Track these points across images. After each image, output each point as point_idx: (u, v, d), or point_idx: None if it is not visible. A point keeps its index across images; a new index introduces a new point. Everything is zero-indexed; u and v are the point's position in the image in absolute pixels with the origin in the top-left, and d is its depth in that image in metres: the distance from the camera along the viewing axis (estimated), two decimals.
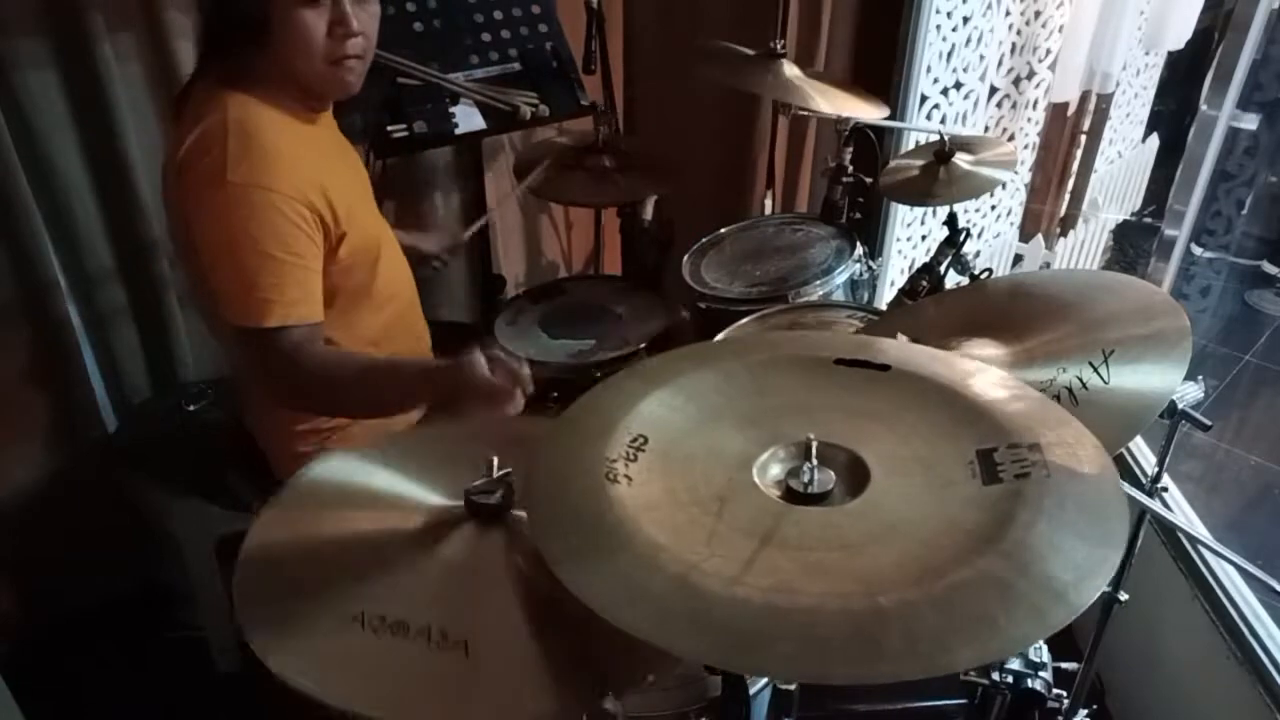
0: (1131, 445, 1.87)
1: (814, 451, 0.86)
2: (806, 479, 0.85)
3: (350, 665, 0.80)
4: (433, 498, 0.96)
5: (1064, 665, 1.49)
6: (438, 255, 1.86)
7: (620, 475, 0.84)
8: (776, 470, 0.87)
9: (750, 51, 1.96)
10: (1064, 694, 1.41)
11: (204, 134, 1.28)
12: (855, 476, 0.86)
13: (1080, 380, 1.12)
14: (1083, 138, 3.05)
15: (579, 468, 0.85)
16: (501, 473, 0.91)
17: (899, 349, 1.02)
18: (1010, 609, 0.71)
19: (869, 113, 1.90)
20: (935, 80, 2.28)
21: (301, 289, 1.31)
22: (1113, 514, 0.79)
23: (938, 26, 2.19)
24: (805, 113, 2.09)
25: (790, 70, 1.92)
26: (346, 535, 0.93)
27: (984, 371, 0.98)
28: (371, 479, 0.99)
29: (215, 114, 1.29)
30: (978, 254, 2.69)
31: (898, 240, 2.46)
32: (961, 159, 1.78)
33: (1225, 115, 2.03)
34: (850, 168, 1.98)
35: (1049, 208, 3.12)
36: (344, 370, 1.35)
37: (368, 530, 0.93)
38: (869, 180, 1.99)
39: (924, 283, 1.58)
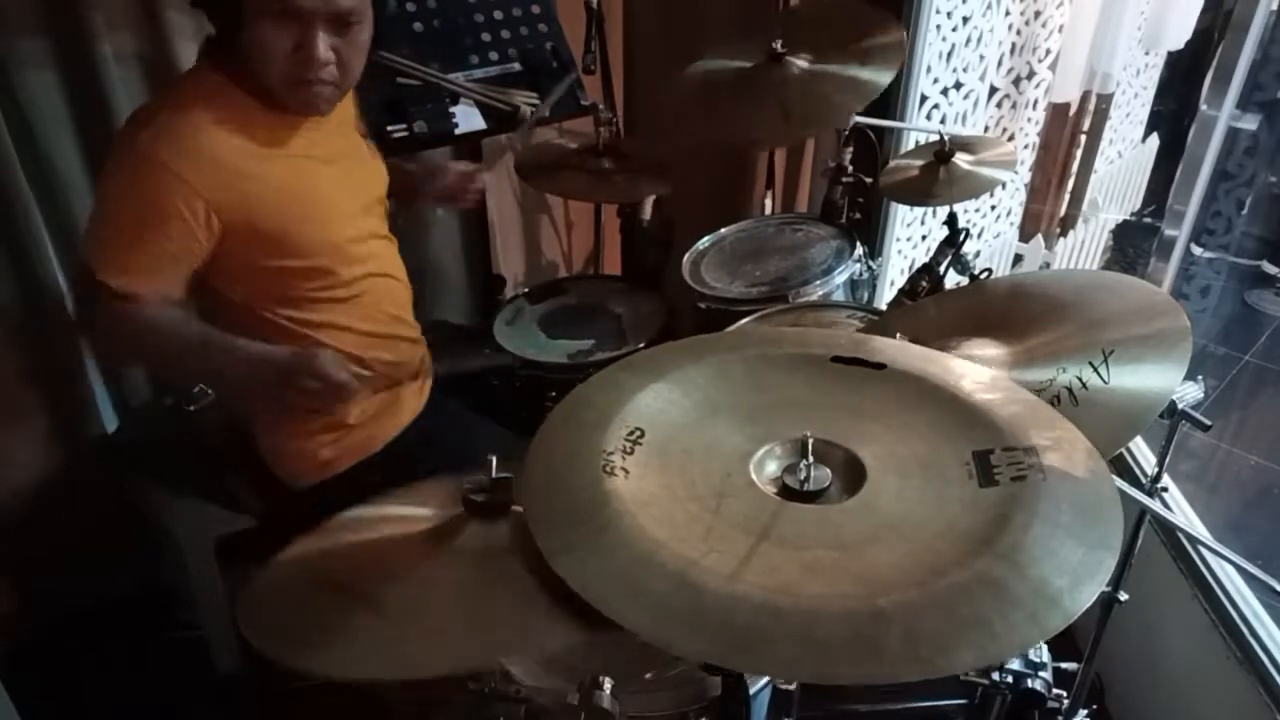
0: (1131, 445, 1.87)
1: (810, 449, 0.86)
2: (803, 476, 0.85)
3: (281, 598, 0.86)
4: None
5: (1064, 665, 1.49)
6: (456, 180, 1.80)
7: (617, 469, 0.84)
8: (773, 467, 0.88)
9: (748, 64, 1.89)
10: (1064, 694, 1.40)
11: (151, 101, 1.32)
12: (851, 475, 0.86)
13: (1080, 380, 1.12)
14: (1083, 138, 3.05)
15: (576, 461, 0.85)
16: (500, 475, 0.92)
17: (895, 348, 1.02)
18: (1007, 612, 0.71)
19: (887, 38, 1.82)
20: (935, 80, 2.28)
21: (151, 264, 1.30)
22: (1108, 517, 0.80)
23: (938, 26, 2.19)
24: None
25: (797, 66, 1.85)
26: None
27: (980, 372, 0.98)
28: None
29: (175, 86, 1.33)
30: (978, 254, 2.68)
31: (898, 240, 2.46)
32: (961, 159, 1.78)
33: (1225, 115, 2.03)
34: (850, 168, 1.97)
35: (1049, 208, 3.12)
36: (168, 340, 1.33)
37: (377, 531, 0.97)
38: (869, 180, 1.98)
39: (924, 283, 1.58)
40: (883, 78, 1.78)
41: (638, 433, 0.88)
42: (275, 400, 1.34)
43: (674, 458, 0.87)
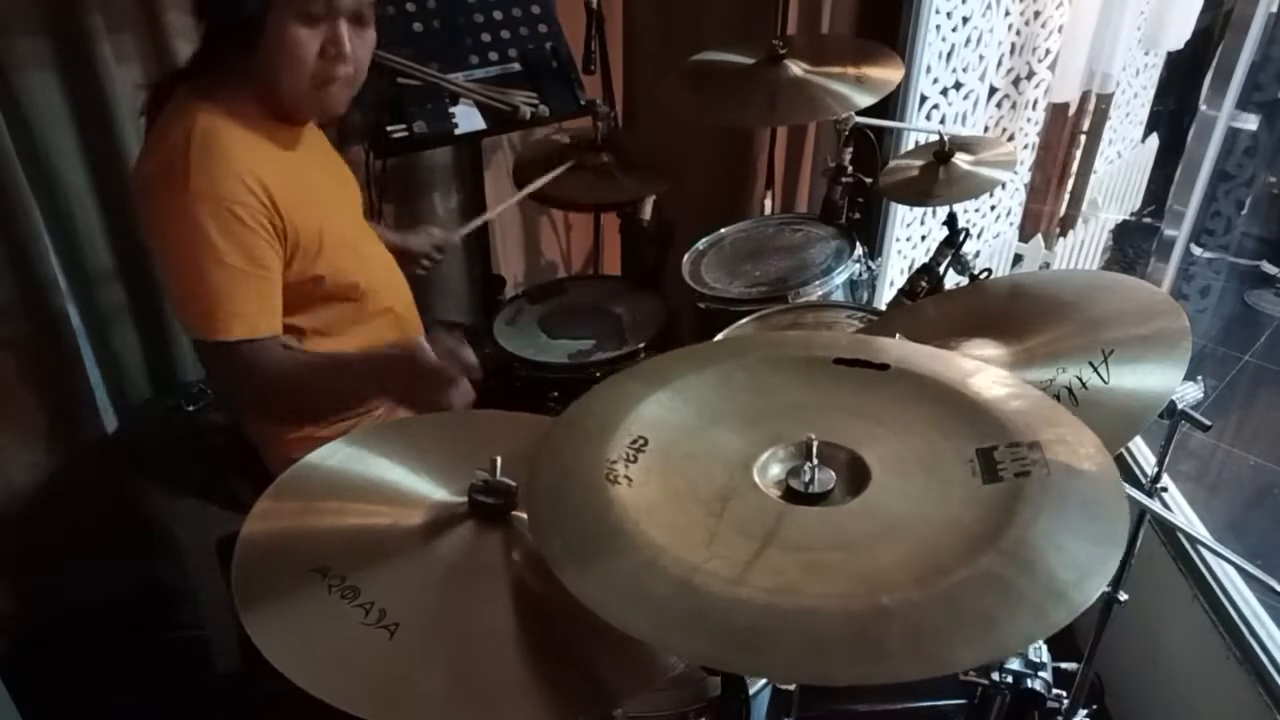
0: (1131, 445, 1.87)
1: (814, 451, 0.86)
2: (807, 479, 0.85)
3: (287, 606, 0.84)
4: (438, 493, 0.97)
5: (1064, 665, 1.49)
6: (426, 254, 1.80)
7: (620, 476, 0.84)
8: (777, 470, 0.87)
9: (749, 60, 1.90)
10: (1064, 694, 1.41)
11: (168, 144, 1.27)
12: (856, 476, 0.86)
13: (1080, 380, 1.12)
14: (1082, 138, 3.05)
15: (579, 469, 0.85)
16: (505, 476, 0.92)
17: (898, 348, 1.02)
18: (1011, 608, 0.71)
19: (887, 75, 1.83)
20: (935, 80, 2.28)
21: (262, 301, 1.30)
22: (1113, 512, 0.79)
23: (937, 26, 2.19)
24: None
25: (795, 69, 1.86)
26: (349, 514, 0.95)
27: (983, 370, 0.98)
28: (378, 470, 1.00)
29: (181, 124, 1.28)
30: (977, 254, 2.69)
31: (898, 240, 2.46)
32: (961, 159, 1.78)
33: (1225, 115, 2.03)
34: (850, 168, 1.98)
35: (1049, 208, 3.13)
36: (298, 376, 1.33)
37: (370, 514, 0.95)
38: (869, 180, 1.98)
39: (923, 283, 1.58)
40: (874, 98, 1.79)
41: (641, 441, 0.88)
42: (407, 397, 1.31)
43: (677, 464, 0.87)
